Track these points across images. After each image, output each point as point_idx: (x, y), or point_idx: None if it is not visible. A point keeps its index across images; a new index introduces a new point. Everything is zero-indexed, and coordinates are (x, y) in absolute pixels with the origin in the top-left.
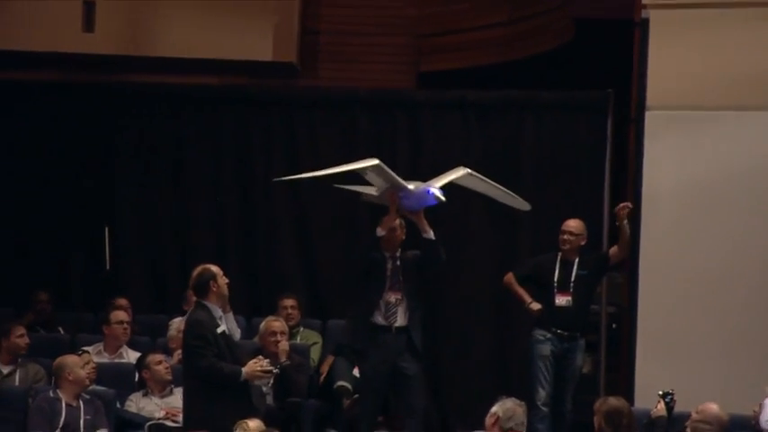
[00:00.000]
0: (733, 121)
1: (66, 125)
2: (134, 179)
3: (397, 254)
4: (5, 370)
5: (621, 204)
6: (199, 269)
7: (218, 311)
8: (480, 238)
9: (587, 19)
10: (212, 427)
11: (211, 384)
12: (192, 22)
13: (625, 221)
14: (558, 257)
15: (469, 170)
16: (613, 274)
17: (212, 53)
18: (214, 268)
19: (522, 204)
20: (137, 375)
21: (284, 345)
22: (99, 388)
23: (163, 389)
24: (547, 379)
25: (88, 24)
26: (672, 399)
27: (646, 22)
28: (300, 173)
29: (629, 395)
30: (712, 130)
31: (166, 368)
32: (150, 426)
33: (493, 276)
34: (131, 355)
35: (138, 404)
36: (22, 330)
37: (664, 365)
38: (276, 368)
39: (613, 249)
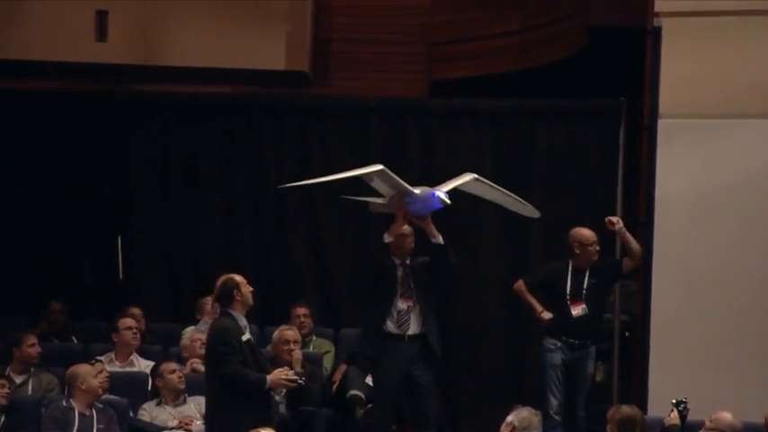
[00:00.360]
0: (745, 129)
1: (79, 135)
2: (147, 188)
3: (407, 261)
4: (18, 380)
5: (608, 219)
6: (223, 278)
7: (243, 320)
8: (492, 246)
9: (600, 27)
10: None
11: (235, 391)
12: (205, 31)
13: (625, 233)
14: (570, 266)
15: (476, 175)
16: (626, 282)
17: (225, 62)
18: (238, 277)
19: (531, 212)
20: (150, 384)
21: (297, 354)
22: (112, 397)
23: (176, 398)
24: (558, 388)
25: (101, 34)
26: (685, 407)
27: (658, 30)
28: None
29: (642, 403)
30: (725, 137)
31: (180, 377)
32: None
33: (505, 283)
34: (142, 364)
35: (152, 413)
36: (33, 340)
37: (677, 374)
38: (302, 379)
39: (626, 260)
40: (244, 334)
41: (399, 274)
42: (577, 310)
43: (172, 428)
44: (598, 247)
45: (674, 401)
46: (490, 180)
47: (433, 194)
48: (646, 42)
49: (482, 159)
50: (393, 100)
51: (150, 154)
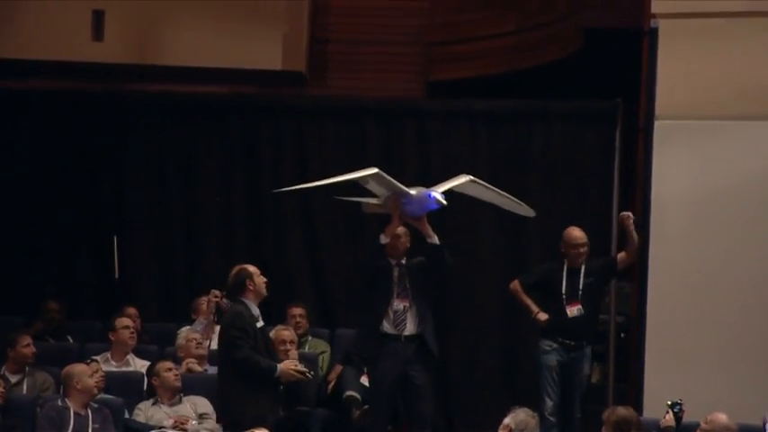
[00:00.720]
0: (742, 131)
1: (76, 134)
2: (144, 188)
3: (403, 261)
4: (13, 379)
5: (625, 214)
6: (236, 269)
7: (256, 309)
8: (488, 246)
9: (596, 28)
10: (246, 420)
11: (246, 377)
12: (202, 31)
13: (632, 228)
14: (565, 266)
15: (472, 177)
16: (622, 283)
17: (222, 62)
18: (251, 268)
19: (527, 211)
20: (146, 384)
21: (294, 354)
22: (107, 396)
23: (172, 396)
24: (554, 389)
25: (98, 33)
26: (680, 409)
27: (655, 31)
28: (309, 182)
29: (637, 405)
30: (721, 139)
31: (176, 375)
32: None
33: (501, 284)
34: (138, 363)
35: (147, 413)
36: (28, 340)
37: (672, 375)
38: (311, 373)
39: (621, 255)
40: (258, 321)
41: (395, 274)
42: (573, 311)
43: (163, 428)
44: (584, 249)
45: (669, 403)
46: (486, 181)
47: (429, 195)
48: (642, 44)
49: (478, 160)
50: (390, 101)
51: (146, 154)
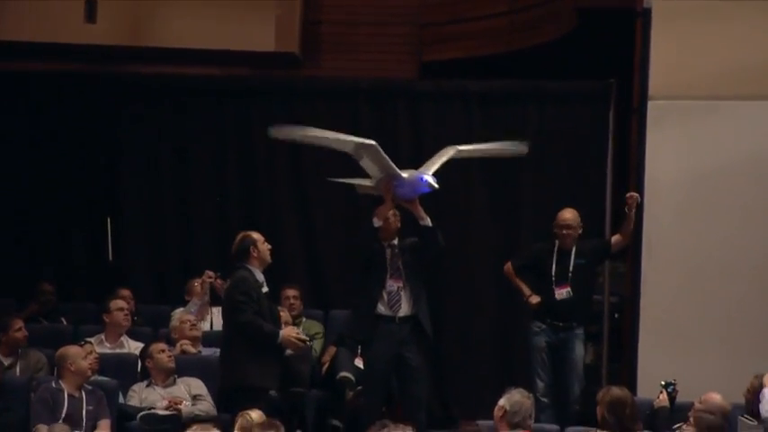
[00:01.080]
0: (735, 111)
1: (69, 116)
2: (137, 169)
3: (395, 242)
4: (6, 362)
5: (633, 194)
6: (240, 236)
7: (260, 275)
8: (481, 227)
9: (589, 8)
10: (249, 385)
11: (249, 341)
12: (195, 12)
13: (633, 211)
14: (556, 247)
15: (457, 147)
16: (616, 263)
17: (215, 44)
18: (255, 234)
19: (520, 148)
20: (139, 366)
21: None
22: (101, 378)
23: (166, 378)
24: (545, 370)
25: (90, 15)
26: (674, 389)
27: (648, 11)
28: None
29: (631, 385)
30: (714, 119)
31: (169, 356)
32: (142, 416)
33: (494, 265)
34: (132, 345)
35: (141, 395)
36: (20, 324)
37: (666, 355)
38: (310, 341)
39: (616, 237)
40: (262, 287)
41: (388, 255)
42: (561, 293)
43: (153, 408)
44: (570, 231)
45: (663, 383)
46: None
47: (421, 178)
48: (636, 24)
49: (471, 140)
50: (383, 81)
51: (139, 135)
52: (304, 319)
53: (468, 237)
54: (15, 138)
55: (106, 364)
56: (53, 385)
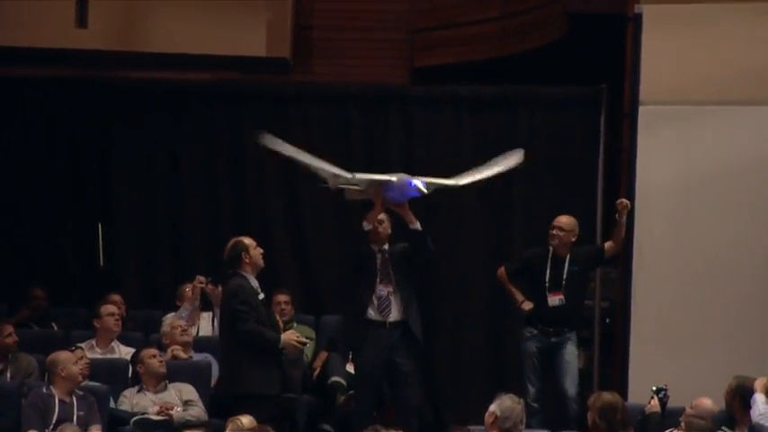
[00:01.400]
0: (726, 116)
1: (60, 121)
2: (128, 174)
3: (386, 247)
4: None
5: (623, 200)
6: (232, 242)
7: (254, 281)
8: (473, 232)
9: (580, 14)
10: (248, 391)
11: (250, 348)
12: (185, 17)
13: (624, 217)
14: (550, 253)
15: (460, 182)
16: (607, 269)
17: (205, 49)
18: (247, 240)
19: (516, 158)
20: (130, 371)
21: None
22: (92, 384)
23: (157, 383)
24: (536, 376)
25: (81, 20)
26: (665, 394)
27: (639, 16)
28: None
29: (622, 390)
30: (706, 124)
31: (160, 361)
32: (135, 421)
33: (485, 270)
34: (123, 350)
35: (132, 400)
36: (9, 329)
37: (657, 361)
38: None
39: (609, 244)
40: (258, 294)
41: (378, 260)
42: (554, 300)
43: (146, 413)
44: (559, 233)
45: (654, 388)
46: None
47: (410, 183)
48: (626, 29)
49: (463, 146)
50: (374, 86)
51: (131, 140)
52: (295, 324)
53: (459, 241)
54: (5, 143)
55: (97, 370)
56: (44, 391)
